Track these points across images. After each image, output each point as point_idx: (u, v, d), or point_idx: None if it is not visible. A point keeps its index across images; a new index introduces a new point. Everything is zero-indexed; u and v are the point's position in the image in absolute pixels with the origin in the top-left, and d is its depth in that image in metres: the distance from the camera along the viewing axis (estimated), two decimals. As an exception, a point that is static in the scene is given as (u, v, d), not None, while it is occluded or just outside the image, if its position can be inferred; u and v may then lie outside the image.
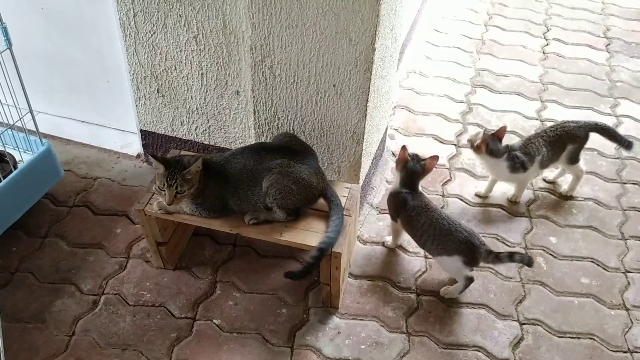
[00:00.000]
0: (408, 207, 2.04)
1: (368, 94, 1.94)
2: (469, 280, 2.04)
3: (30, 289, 2.08)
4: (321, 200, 1.95)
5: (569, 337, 2.00)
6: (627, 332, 2.02)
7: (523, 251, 2.27)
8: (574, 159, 2.44)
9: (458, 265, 1.98)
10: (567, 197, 2.52)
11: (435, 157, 2.04)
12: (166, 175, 1.78)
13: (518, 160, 2.33)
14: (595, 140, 2.82)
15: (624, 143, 2.44)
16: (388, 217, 2.37)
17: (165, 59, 2.17)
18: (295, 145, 1.93)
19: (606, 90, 3.22)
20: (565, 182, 2.57)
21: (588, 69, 3.40)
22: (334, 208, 1.91)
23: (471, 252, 1.95)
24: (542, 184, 2.60)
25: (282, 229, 1.90)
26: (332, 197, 1.93)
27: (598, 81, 3.29)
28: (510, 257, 1.93)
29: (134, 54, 2.20)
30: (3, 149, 2.18)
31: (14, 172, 2.09)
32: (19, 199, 2.16)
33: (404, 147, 2.04)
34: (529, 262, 1.97)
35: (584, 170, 2.50)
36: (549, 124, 2.94)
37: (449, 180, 2.60)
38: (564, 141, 2.40)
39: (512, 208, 2.47)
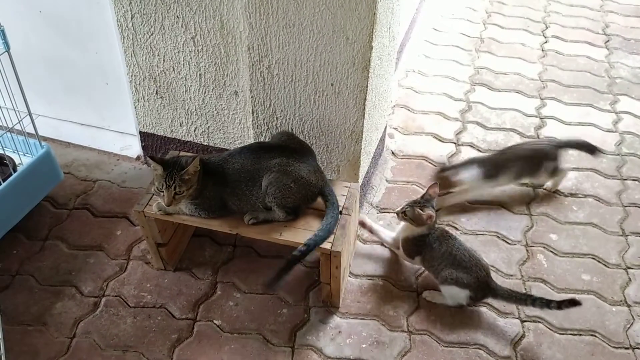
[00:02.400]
0: (430, 240, 2.00)
1: (366, 93, 1.94)
2: (460, 306, 2.04)
3: (31, 291, 2.09)
4: (320, 199, 1.94)
5: (570, 334, 1.99)
6: (628, 328, 2.01)
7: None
8: (555, 172, 2.46)
9: (462, 297, 1.98)
10: (553, 192, 2.54)
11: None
12: (164, 176, 1.78)
13: (487, 169, 2.35)
14: (595, 137, 2.84)
15: (592, 150, 2.53)
16: (388, 216, 2.39)
17: (164, 60, 2.17)
18: (293, 144, 1.93)
19: (605, 87, 3.21)
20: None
21: (587, 66, 3.39)
22: (329, 207, 1.90)
23: (483, 292, 1.96)
24: (542, 181, 2.60)
25: (281, 229, 1.90)
26: (329, 195, 1.93)
27: (597, 78, 3.29)
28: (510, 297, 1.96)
29: (132, 56, 2.20)
30: (2, 152, 2.19)
31: (14, 175, 2.10)
32: (19, 201, 2.16)
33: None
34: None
35: (566, 170, 2.52)
36: (548, 121, 2.95)
37: (449, 178, 2.60)
38: (540, 159, 2.41)
39: (512, 206, 2.47)
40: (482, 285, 1.95)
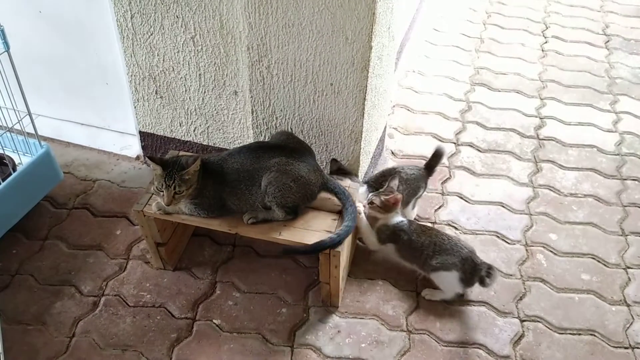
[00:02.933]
0: (407, 232, 2.03)
1: (365, 93, 1.94)
2: (460, 296, 2.05)
3: (31, 291, 2.09)
4: (321, 196, 1.95)
5: (570, 334, 1.99)
6: (628, 328, 2.01)
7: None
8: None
9: (454, 282, 1.99)
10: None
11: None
12: (164, 176, 1.78)
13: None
14: (596, 137, 2.84)
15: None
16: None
17: (163, 60, 2.17)
18: (292, 144, 1.93)
19: (605, 87, 3.21)
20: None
21: (587, 66, 3.39)
22: (343, 198, 1.93)
23: (472, 270, 1.97)
24: (542, 181, 2.59)
25: (280, 228, 1.90)
26: (336, 189, 1.95)
27: (597, 78, 3.29)
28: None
29: (131, 56, 2.21)
30: (2, 152, 2.19)
31: (13, 175, 2.10)
32: (19, 201, 2.17)
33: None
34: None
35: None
36: (548, 121, 2.95)
37: (449, 178, 2.60)
38: (416, 186, 2.28)
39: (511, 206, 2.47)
40: (469, 262, 1.97)
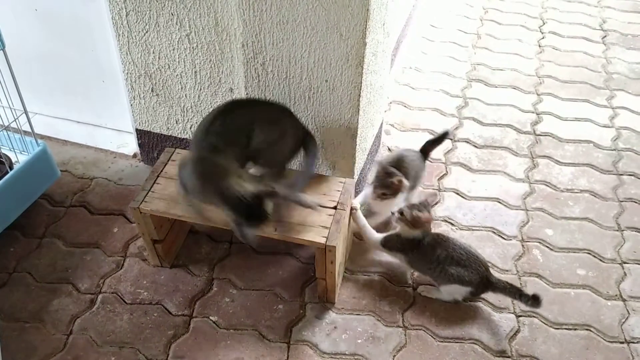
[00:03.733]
0: (419, 245, 1.98)
1: (360, 89, 1.94)
2: (455, 302, 2.05)
3: (28, 288, 2.09)
4: (317, 191, 1.96)
5: (566, 329, 2.00)
6: (623, 322, 2.02)
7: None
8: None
9: (462, 294, 1.99)
10: None
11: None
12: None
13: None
14: (592, 133, 2.85)
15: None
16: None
17: (159, 58, 2.18)
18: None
19: (602, 83, 3.21)
20: None
21: (584, 61, 3.39)
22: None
23: (484, 287, 1.97)
24: (538, 177, 2.60)
25: (276, 224, 1.90)
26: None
27: (594, 73, 3.29)
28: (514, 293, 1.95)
29: (127, 53, 2.21)
30: (-1, 150, 2.20)
31: (10, 173, 2.11)
32: (16, 199, 2.17)
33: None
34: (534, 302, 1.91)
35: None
36: (545, 117, 2.95)
37: (445, 174, 2.61)
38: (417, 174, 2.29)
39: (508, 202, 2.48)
40: (484, 281, 1.95)
